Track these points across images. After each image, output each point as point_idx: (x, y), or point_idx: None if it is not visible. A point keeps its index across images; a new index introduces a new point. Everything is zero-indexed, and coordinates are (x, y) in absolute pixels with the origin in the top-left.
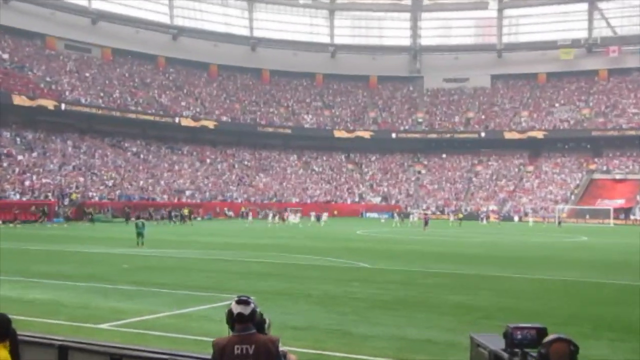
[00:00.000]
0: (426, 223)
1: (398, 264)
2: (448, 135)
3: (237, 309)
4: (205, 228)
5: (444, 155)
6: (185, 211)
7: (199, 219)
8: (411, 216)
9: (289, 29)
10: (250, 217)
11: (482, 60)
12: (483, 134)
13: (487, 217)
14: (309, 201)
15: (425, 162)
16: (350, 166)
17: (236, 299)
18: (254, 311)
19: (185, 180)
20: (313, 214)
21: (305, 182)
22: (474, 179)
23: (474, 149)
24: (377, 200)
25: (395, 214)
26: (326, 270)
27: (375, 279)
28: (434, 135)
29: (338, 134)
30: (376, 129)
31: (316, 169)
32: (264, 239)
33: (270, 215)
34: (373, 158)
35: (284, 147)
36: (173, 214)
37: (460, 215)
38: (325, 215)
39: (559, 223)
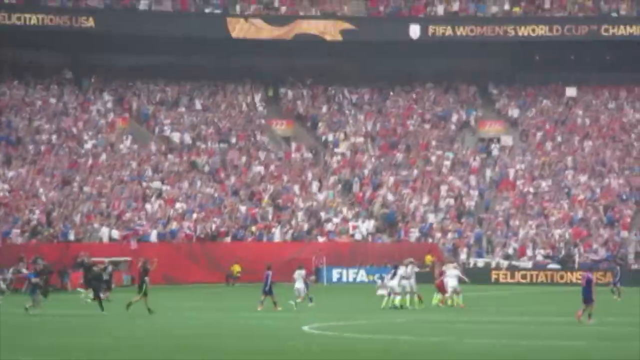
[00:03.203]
0: (587, 297)
1: None
2: (584, 32)
3: None
4: None
5: (570, 92)
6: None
7: None
8: None
9: None
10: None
11: None
12: None
13: None
14: (152, 238)
15: (514, 114)
16: (281, 127)
17: None
18: None
19: None
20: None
21: (140, 178)
22: None
23: None
24: (367, 228)
25: (384, 279)
26: None
27: None
28: (535, 30)
29: (238, 30)
30: (362, 11)
31: (176, 139)
32: None
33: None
34: (352, 100)
35: (73, 76)
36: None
37: None
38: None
39: None
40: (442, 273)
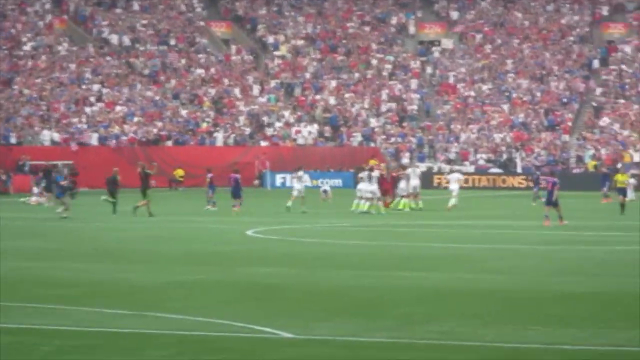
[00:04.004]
0: (551, 199)
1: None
2: None
3: None
4: None
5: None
6: None
7: None
8: (452, 186)
9: None
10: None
11: None
12: None
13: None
14: (93, 141)
15: (454, 16)
16: (221, 29)
17: None
18: None
19: None
20: None
21: (80, 82)
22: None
23: None
24: (310, 132)
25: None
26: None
27: None
28: None
29: None
30: None
31: (114, 41)
32: None
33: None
34: (291, 1)
35: None
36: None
37: None
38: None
39: None
40: (394, 177)
